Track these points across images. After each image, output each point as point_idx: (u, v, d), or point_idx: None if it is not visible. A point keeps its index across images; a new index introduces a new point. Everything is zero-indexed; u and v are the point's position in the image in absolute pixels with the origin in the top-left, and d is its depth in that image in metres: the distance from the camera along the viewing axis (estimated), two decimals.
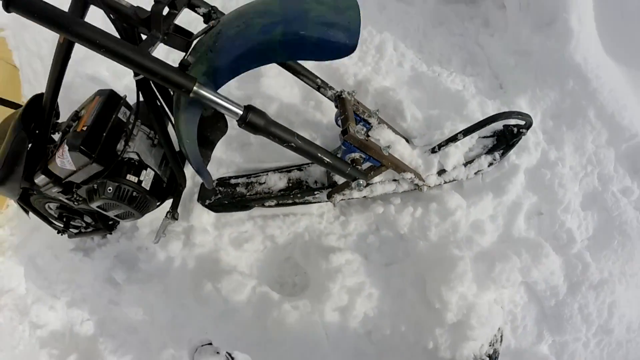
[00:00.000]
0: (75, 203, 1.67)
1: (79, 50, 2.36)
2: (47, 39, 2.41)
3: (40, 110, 1.51)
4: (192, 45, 1.18)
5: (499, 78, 1.94)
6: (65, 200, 1.70)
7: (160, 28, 1.06)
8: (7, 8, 0.85)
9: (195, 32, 1.16)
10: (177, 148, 1.49)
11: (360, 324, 1.56)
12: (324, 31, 0.95)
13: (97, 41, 0.87)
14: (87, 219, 1.91)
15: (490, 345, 1.45)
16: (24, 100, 2.50)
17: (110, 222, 1.99)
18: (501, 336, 1.50)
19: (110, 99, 1.46)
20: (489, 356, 1.44)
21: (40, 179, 1.57)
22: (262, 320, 1.63)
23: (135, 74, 1.18)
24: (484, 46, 2.01)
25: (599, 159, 1.73)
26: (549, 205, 1.67)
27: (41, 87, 2.36)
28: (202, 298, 1.70)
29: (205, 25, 1.23)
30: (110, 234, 2.11)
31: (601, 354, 1.59)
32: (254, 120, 1.01)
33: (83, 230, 1.99)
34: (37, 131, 1.51)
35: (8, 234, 2.59)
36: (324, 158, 1.15)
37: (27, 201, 1.81)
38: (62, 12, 0.88)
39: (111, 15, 1.08)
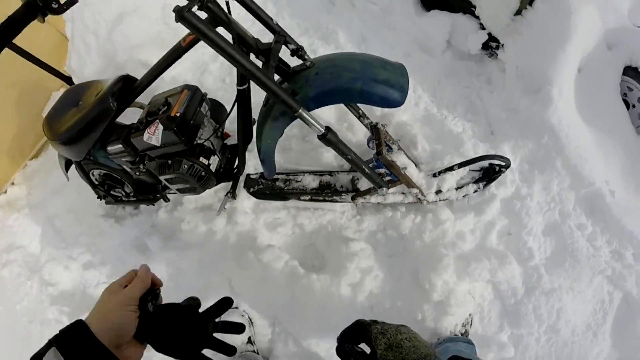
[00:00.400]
0: (137, 173, 2.08)
1: (135, 37, 2.92)
2: (107, 20, 2.85)
3: (122, 89, 1.90)
4: (293, 77, 1.68)
5: (491, 126, 2.56)
6: (128, 169, 2.10)
7: (276, 59, 1.56)
8: (177, 20, 1.24)
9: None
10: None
11: (366, 299, 2.07)
12: (386, 90, 1.52)
13: (244, 65, 1.35)
14: (127, 189, 2.31)
15: (462, 326, 1.98)
16: (65, 70, 3.03)
17: (153, 196, 2.31)
18: (471, 320, 2.04)
19: (196, 94, 1.88)
20: (461, 334, 1.97)
21: (115, 147, 1.94)
22: (290, 288, 2.11)
23: (241, 85, 1.69)
24: (483, 99, 2.64)
25: (561, 198, 2.28)
26: (517, 228, 2.22)
27: (92, 61, 2.88)
28: (245, 265, 2.15)
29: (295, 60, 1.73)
30: (153, 205, 2.46)
31: (550, 349, 2.04)
32: (330, 138, 1.59)
33: (124, 198, 2.37)
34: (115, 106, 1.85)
35: (25, 193, 2.97)
36: (365, 169, 1.77)
37: (79, 165, 2.20)
38: (219, 35, 1.30)
39: (235, 39, 1.48)
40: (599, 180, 2.31)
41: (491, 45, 2.73)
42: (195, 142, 1.87)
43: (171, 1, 2.91)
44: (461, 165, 2.10)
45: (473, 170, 2.23)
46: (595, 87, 2.57)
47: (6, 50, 2.46)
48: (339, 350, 0.92)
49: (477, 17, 2.75)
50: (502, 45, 2.66)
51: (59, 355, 0.67)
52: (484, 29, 2.73)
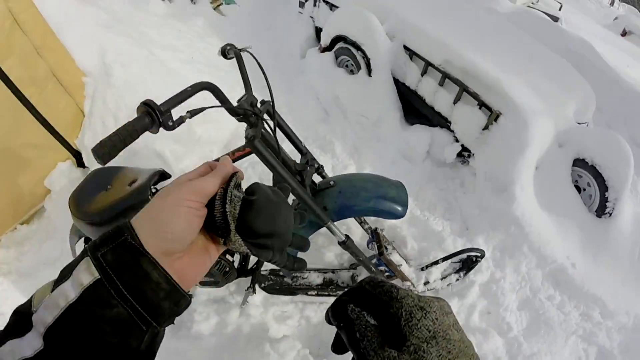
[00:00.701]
0: None
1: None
2: (128, 106, 3.05)
3: (156, 183, 2.04)
4: (319, 193, 2.02)
5: (466, 223, 3.15)
6: None
7: (310, 180, 1.92)
8: (248, 145, 1.50)
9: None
10: None
11: None
12: (392, 206, 1.98)
13: (292, 185, 1.70)
14: None
15: None
16: (76, 143, 3.11)
17: None
18: None
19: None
20: None
21: None
22: None
23: None
24: (458, 200, 3.27)
25: (530, 277, 2.84)
26: (495, 307, 2.72)
27: None
28: (261, 354, 2.32)
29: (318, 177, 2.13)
30: None
31: None
32: (349, 244, 1.99)
33: None
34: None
35: (13, 257, 2.87)
36: (372, 268, 2.26)
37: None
38: (277, 160, 1.63)
39: (280, 160, 1.70)
40: (561, 256, 2.92)
41: (464, 154, 3.46)
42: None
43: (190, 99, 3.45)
44: (444, 259, 2.67)
45: (454, 262, 2.77)
46: (550, 179, 3.27)
47: (23, 110, 2.72)
48: (336, 313, 0.55)
49: (452, 131, 3.51)
50: (473, 154, 3.38)
51: (92, 267, 0.51)
52: (457, 141, 3.47)
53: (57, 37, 2.92)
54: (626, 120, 5.62)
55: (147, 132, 1.27)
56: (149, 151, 3.02)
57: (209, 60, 4.46)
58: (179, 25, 5.10)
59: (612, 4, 19.40)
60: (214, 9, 6.27)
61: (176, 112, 1.30)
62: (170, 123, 1.33)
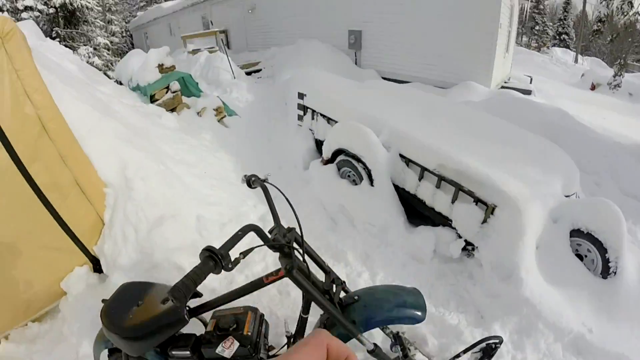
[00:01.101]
0: None
1: (173, 241, 3.35)
2: (149, 219, 3.22)
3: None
4: (346, 308, 2.16)
5: (480, 312, 3.33)
6: None
7: (337, 298, 2.08)
8: (286, 275, 1.69)
9: None
10: None
11: None
12: (413, 312, 2.13)
13: (329, 309, 1.92)
14: None
15: None
16: (94, 249, 3.21)
17: None
18: None
19: (257, 314, 2.22)
20: None
21: (181, 353, 2.11)
22: None
23: (305, 314, 2.15)
24: (469, 291, 3.49)
25: (551, 351, 2.97)
26: None
27: (127, 253, 3.12)
28: None
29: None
30: None
31: None
32: (378, 352, 2.10)
33: None
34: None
35: (24, 354, 2.88)
36: None
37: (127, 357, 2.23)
38: (313, 287, 1.82)
39: (310, 283, 1.90)
40: (577, 325, 3.07)
41: (468, 248, 3.74)
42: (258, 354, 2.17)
43: (203, 212, 3.79)
44: (465, 351, 2.75)
45: (475, 353, 2.84)
46: (552, 255, 3.50)
47: (46, 214, 2.84)
48: None
49: (454, 228, 3.82)
50: (477, 247, 3.66)
51: None
52: (460, 237, 3.78)
53: (80, 147, 3.15)
54: (612, 174, 5.88)
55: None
56: (170, 265, 3.15)
57: (220, 175, 4.87)
58: (190, 139, 5.53)
59: (575, 61, 20.50)
60: (218, 121, 6.89)
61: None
62: (230, 265, 1.51)
